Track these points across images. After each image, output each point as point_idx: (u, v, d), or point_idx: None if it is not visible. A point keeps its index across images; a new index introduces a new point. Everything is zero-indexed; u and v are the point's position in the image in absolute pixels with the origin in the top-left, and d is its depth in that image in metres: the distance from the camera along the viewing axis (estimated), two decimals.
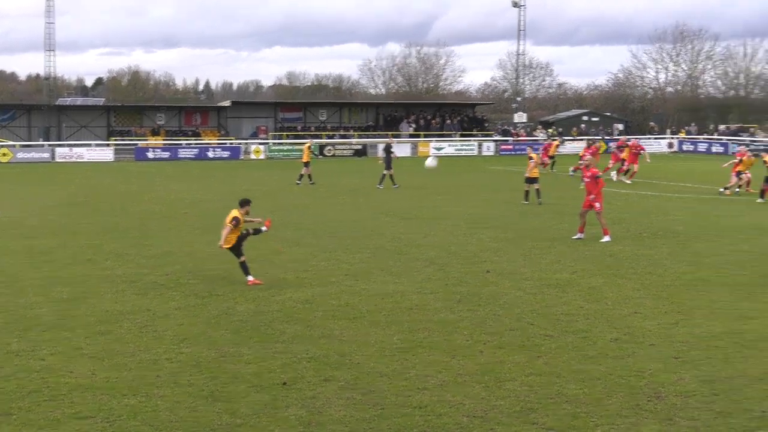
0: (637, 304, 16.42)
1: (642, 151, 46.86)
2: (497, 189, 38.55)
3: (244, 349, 13.38)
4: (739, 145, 47.66)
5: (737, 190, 37.95)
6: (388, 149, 43.08)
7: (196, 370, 12.40)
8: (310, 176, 44.64)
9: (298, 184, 44.21)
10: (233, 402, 11.08)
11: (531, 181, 34.59)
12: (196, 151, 70.48)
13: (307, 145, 46.49)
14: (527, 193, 34.57)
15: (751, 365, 12.46)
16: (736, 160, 38.71)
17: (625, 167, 45.65)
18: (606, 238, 24.11)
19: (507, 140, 76.91)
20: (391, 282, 18.54)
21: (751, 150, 45.98)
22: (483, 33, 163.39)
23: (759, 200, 34.91)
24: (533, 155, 35.41)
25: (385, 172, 42.25)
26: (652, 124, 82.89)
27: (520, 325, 14.85)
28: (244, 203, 18.60)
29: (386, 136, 75.32)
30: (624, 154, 46.11)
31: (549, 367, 12.45)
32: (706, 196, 37.00)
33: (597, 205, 24.46)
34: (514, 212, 31.46)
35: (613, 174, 45.84)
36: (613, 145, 55.15)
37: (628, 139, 49.98)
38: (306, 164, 44.94)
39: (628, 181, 44.32)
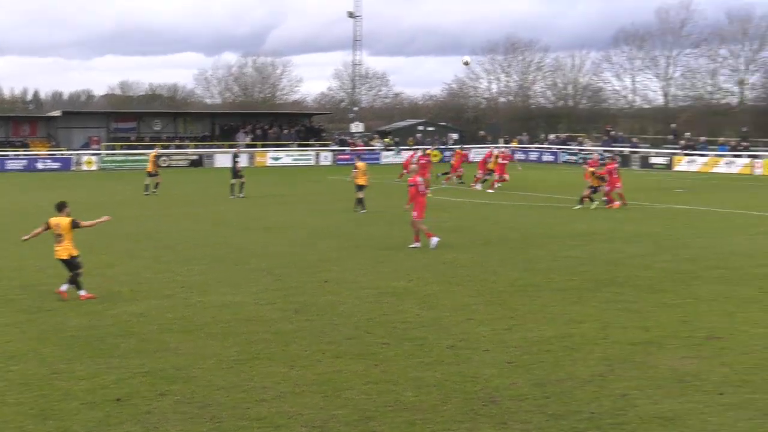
0: (472, 310, 16.73)
1: (511, 160, 48.16)
2: (335, 199, 38.72)
3: (76, 365, 13.01)
4: (592, 154, 49.34)
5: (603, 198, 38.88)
6: (235, 158, 42.98)
7: (25, 388, 11.99)
8: (156, 185, 44.14)
9: (146, 194, 43.58)
10: (65, 420, 10.75)
11: (359, 188, 35.20)
12: (24, 162, 68.23)
13: (153, 154, 46.13)
14: (359, 200, 35.09)
15: (579, 368, 12.87)
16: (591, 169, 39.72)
17: (497, 178, 46.60)
18: (416, 244, 24.73)
19: (344, 150, 77.29)
20: (228, 293, 18.36)
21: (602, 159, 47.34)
22: (320, 43, 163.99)
23: (577, 207, 36.08)
24: (363, 164, 36.02)
25: (233, 181, 42.01)
26: (482, 132, 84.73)
27: (357, 333, 14.93)
28: (61, 207, 17.96)
29: (222, 147, 74.68)
30: (491, 164, 47.15)
31: (386, 374, 12.56)
32: (538, 204, 38.06)
33: (414, 213, 24.95)
34: (352, 221, 31.65)
35: (478, 185, 46.82)
36: (449, 154, 56.43)
37: (502, 150, 51.15)
38: (150, 174, 44.44)
39: (490, 190, 45.28)
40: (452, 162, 47.37)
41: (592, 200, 36.34)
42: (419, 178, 25.39)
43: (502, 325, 15.47)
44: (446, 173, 51.30)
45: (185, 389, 11.92)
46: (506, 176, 46.39)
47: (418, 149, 58.18)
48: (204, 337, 14.75)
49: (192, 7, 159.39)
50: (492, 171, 46.92)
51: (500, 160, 46.72)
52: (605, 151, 63.71)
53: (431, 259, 22.80)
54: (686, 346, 14.02)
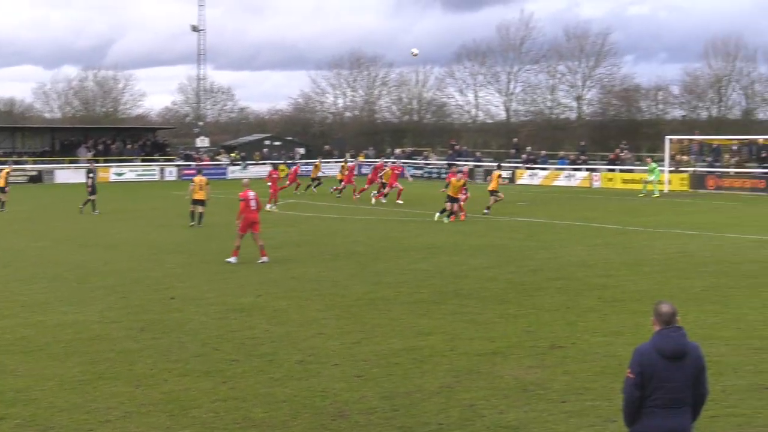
0: (321, 325, 16.75)
1: (403, 172, 48.51)
2: (181, 214, 38.13)
3: None
4: (452, 167, 50.28)
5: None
6: (89, 174, 41.98)
7: None
8: (2, 203, 42.74)
9: (2, 210, 42.15)
10: None
11: (196, 203, 35.21)
12: None
13: (6, 170, 44.85)
14: (194, 214, 35.14)
15: (427, 380, 13.03)
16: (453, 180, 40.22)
17: (386, 190, 46.89)
18: (232, 259, 24.85)
19: (189, 165, 76.28)
20: (70, 312, 17.87)
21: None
22: (163, 56, 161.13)
23: (438, 216, 36.61)
24: (200, 179, 35.86)
25: (91, 197, 40.93)
26: (327, 147, 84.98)
27: (205, 351, 14.75)
28: None
29: (63, 162, 72.70)
30: (385, 177, 47.50)
31: (235, 391, 12.45)
32: (385, 217, 38.39)
33: (239, 225, 25.09)
34: (198, 237, 31.26)
35: (359, 195, 47.10)
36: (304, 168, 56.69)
37: (386, 162, 51.53)
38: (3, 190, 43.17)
39: (384, 200, 46.24)
40: (383, 179, 47.92)
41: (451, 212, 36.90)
42: (251, 193, 25.33)
43: (351, 339, 15.53)
44: (338, 188, 51.95)
45: (25, 412, 11.54)
46: (399, 186, 46.90)
47: (275, 164, 58.10)
48: (45, 357, 14.31)
49: (30, 19, 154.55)
50: (385, 184, 47.46)
51: (395, 172, 47.25)
52: (451, 164, 64.81)
53: (280, 274, 22.72)
54: (530, 355, 14.36)
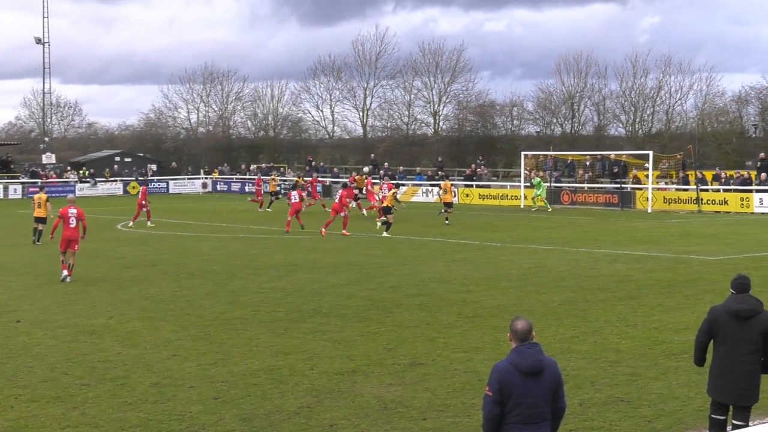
0: (176, 346, 16.48)
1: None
2: (26, 233, 37.03)
3: None
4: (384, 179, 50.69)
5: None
6: None
7: None
8: None
9: None
10: None
11: (38, 220, 34.94)
12: None
13: None
14: (35, 231, 34.89)
15: (287, 400, 12.96)
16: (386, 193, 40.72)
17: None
18: (63, 272, 24.68)
19: (36, 182, 74.16)
20: None
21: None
22: (6, 70, 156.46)
23: (380, 226, 36.69)
24: (39, 196, 35.57)
25: None
26: (174, 164, 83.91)
27: (54, 375, 14.33)
28: None
29: None
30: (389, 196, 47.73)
31: (86, 417, 12.12)
32: (241, 235, 38.10)
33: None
34: (45, 256, 30.38)
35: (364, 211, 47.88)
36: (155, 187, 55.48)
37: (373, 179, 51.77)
38: None
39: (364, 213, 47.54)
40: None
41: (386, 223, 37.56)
42: (72, 210, 25.13)
43: (208, 360, 15.33)
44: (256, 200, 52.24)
45: None
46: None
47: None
48: None
49: None
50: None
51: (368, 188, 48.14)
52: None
53: (133, 295, 22.28)
54: (391, 373, 14.44)
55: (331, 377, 14.19)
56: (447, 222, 43.34)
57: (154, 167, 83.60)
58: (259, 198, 57.17)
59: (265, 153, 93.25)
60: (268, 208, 54.48)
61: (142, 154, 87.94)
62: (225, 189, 78.90)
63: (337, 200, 39.81)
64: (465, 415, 12.20)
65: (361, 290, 22.78)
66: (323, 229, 37.95)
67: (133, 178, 77.29)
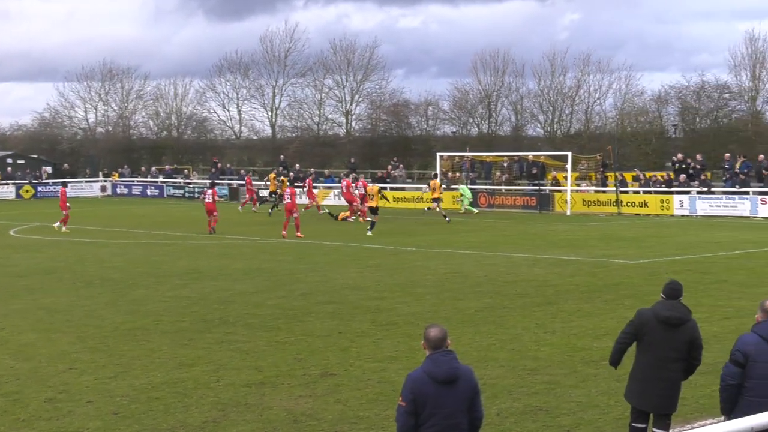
0: (73, 359, 16.24)
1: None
2: None
3: None
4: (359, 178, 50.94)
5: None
6: None
7: None
8: None
9: None
10: None
11: None
12: None
13: None
14: None
15: (191, 414, 12.85)
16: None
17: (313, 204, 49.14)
18: None
19: None
20: None
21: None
22: None
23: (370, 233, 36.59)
24: None
25: None
26: (66, 166, 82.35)
27: None
28: None
29: None
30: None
31: None
32: (143, 241, 37.68)
33: None
34: None
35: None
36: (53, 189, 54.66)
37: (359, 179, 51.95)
38: None
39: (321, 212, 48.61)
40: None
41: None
42: None
43: (107, 373, 15.12)
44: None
45: None
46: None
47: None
48: None
49: None
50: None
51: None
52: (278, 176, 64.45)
53: (26, 305, 21.89)
54: (301, 384, 14.41)
55: (238, 390, 14.10)
56: (440, 215, 47.43)
57: (49, 170, 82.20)
58: (249, 196, 56.46)
59: (168, 154, 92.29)
60: (270, 210, 53.15)
61: (36, 156, 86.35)
62: (125, 192, 77.93)
63: (288, 200, 39.90)
64: (379, 427, 12.23)
65: (269, 298, 22.69)
66: (284, 232, 38.77)
67: (27, 181, 75.87)
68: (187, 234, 40.24)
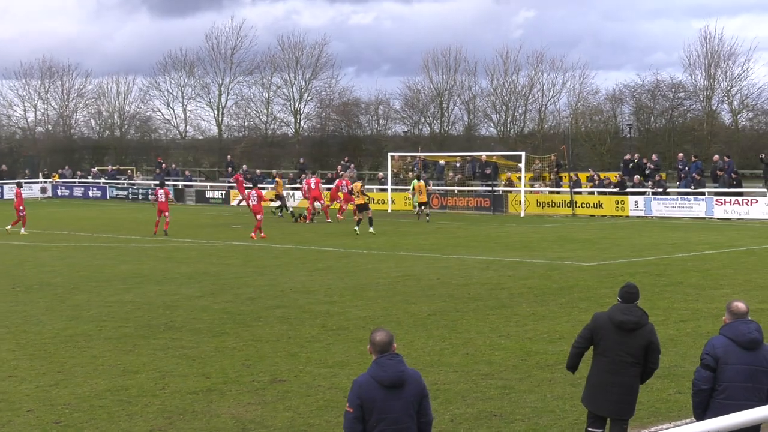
0: (12, 366, 16.08)
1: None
2: None
3: None
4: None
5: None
6: None
7: None
8: None
9: None
10: None
11: None
12: None
13: None
14: None
15: (136, 423, 12.77)
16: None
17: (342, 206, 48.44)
18: None
19: None
20: None
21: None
22: None
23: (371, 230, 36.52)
24: None
25: None
26: (4, 167, 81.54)
27: None
28: None
29: None
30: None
31: None
32: (85, 244, 37.38)
33: None
34: None
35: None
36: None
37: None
38: None
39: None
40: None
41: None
42: None
43: (48, 381, 14.99)
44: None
45: None
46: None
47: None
48: None
49: None
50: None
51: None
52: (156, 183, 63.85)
53: None
54: (249, 391, 14.37)
55: (185, 397, 14.04)
56: (428, 219, 48.42)
57: None
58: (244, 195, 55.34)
59: (111, 154, 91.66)
60: (280, 212, 52.35)
61: None
62: (67, 194, 77.23)
63: (255, 202, 39.87)
64: None
65: (216, 302, 22.60)
66: (253, 234, 38.99)
67: None
68: (131, 237, 39.97)
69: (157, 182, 53.09)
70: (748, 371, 9.34)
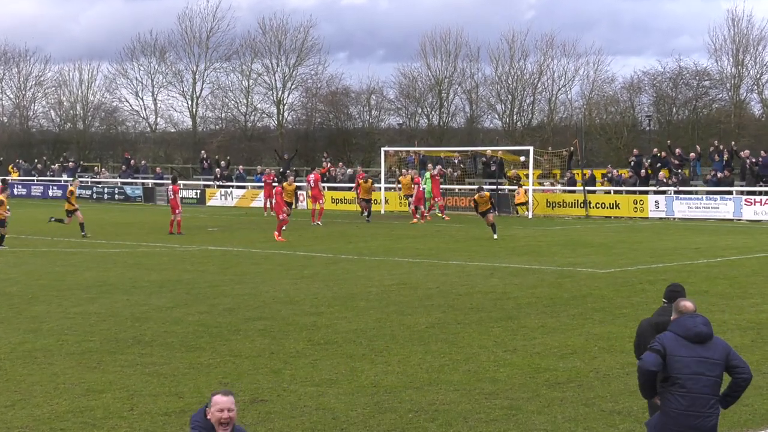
0: None
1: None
2: None
3: None
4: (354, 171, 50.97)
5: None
6: None
7: None
8: None
9: None
10: None
11: None
12: None
13: None
14: None
15: None
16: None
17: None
18: None
19: None
20: None
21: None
22: None
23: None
24: None
25: None
26: None
27: None
28: None
29: None
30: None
31: None
32: (44, 249, 37.37)
33: None
34: None
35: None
36: None
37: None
38: None
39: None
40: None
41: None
42: None
43: (4, 402, 14.99)
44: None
45: None
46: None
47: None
48: None
49: None
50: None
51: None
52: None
53: None
54: None
55: (155, 419, 14.04)
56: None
57: None
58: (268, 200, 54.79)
59: (73, 149, 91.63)
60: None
61: None
62: (24, 193, 77.17)
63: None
64: None
65: (190, 314, 22.61)
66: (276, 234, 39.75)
67: None
68: (95, 241, 39.93)
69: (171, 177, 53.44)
70: (699, 363, 9.86)
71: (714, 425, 9.84)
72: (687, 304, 10.27)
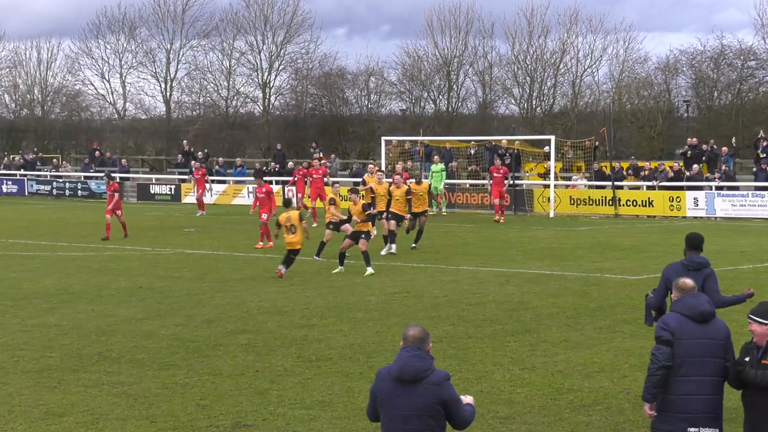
0: None
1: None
2: None
3: None
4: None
5: None
6: None
7: None
8: None
9: None
10: None
11: None
12: None
13: None
14: None
15: None
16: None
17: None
18: None
19: None
20: None
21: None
22: None
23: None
24: None
25: None
26: None
27: None
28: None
29: None
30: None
31: None
32: None
33: None
34: None
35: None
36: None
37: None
38: None
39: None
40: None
41: None
42: None
43: None
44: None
45: None
46: None
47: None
48: None
49: None
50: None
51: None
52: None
53: None
54: None
55: None
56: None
57: None
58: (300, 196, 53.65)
59: (30, 139, 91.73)
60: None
61: None
62: None
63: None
64: None
65: (163, 326, 22.61)
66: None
67: None
68: (56, 243, 39.92)
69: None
70: (703, 345, 10.81)
71: (719, 408, 10.75)
72: (687, 281, 11.17)
